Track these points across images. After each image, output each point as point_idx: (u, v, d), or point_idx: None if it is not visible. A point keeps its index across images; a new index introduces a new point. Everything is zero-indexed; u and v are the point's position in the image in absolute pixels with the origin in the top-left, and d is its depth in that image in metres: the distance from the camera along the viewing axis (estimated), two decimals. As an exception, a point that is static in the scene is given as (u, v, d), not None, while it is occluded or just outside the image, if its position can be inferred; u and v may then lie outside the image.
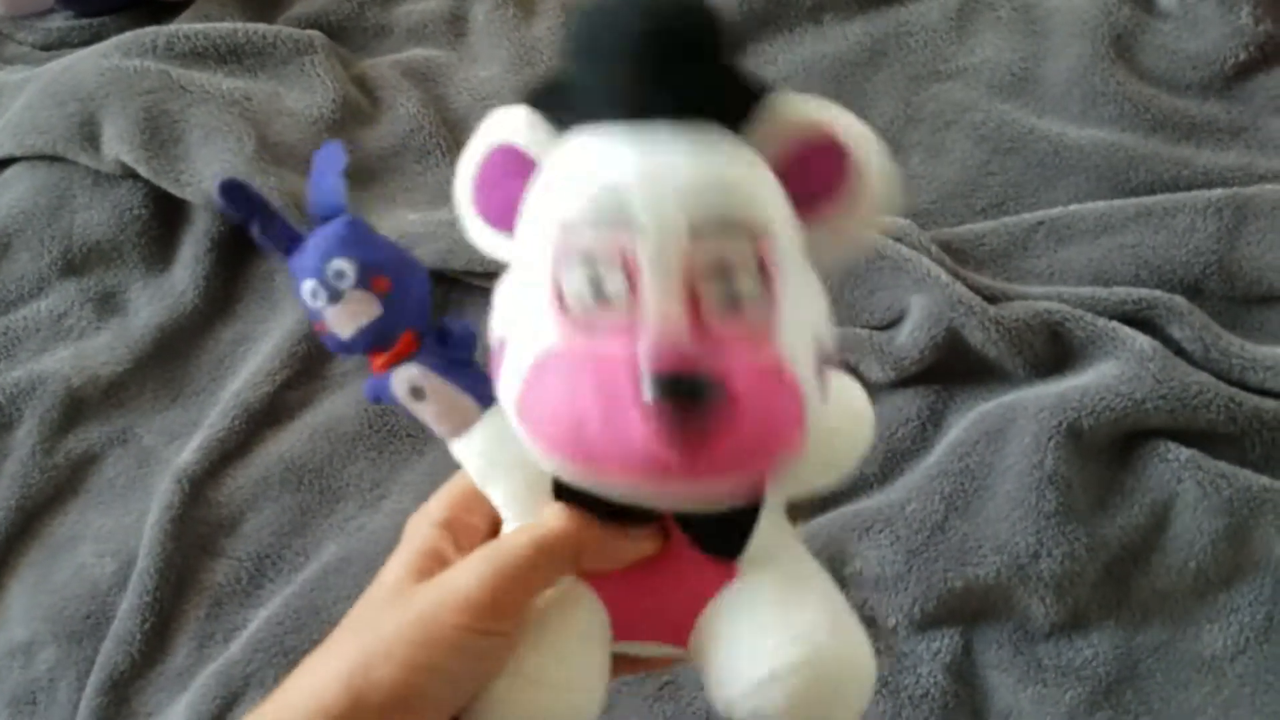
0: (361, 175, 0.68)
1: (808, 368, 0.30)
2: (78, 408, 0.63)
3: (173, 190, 0.66)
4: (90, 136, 0.68)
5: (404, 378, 0.34)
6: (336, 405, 0.62)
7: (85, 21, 0.81)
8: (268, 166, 0.64)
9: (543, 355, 0.30)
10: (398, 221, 0.65)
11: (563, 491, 0.33)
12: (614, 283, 0.30)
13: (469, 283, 0.64)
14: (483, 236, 0.35)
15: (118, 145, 0.66)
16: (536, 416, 0.30)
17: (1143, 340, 0.55)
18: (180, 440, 0.62)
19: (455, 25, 0.77)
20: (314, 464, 0.60)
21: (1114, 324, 0.56)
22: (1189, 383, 0.53)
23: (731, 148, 0.31)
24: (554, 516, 0.34)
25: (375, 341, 0.34)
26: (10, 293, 0.67)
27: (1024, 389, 0.56)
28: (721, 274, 0.29)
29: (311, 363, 0.63)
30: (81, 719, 0.53)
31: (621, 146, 0.30)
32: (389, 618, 0.32)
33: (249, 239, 0.64)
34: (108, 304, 0.67)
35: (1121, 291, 0.58)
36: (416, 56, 0.74)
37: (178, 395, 0.64)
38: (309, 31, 0.72)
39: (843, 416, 0.36)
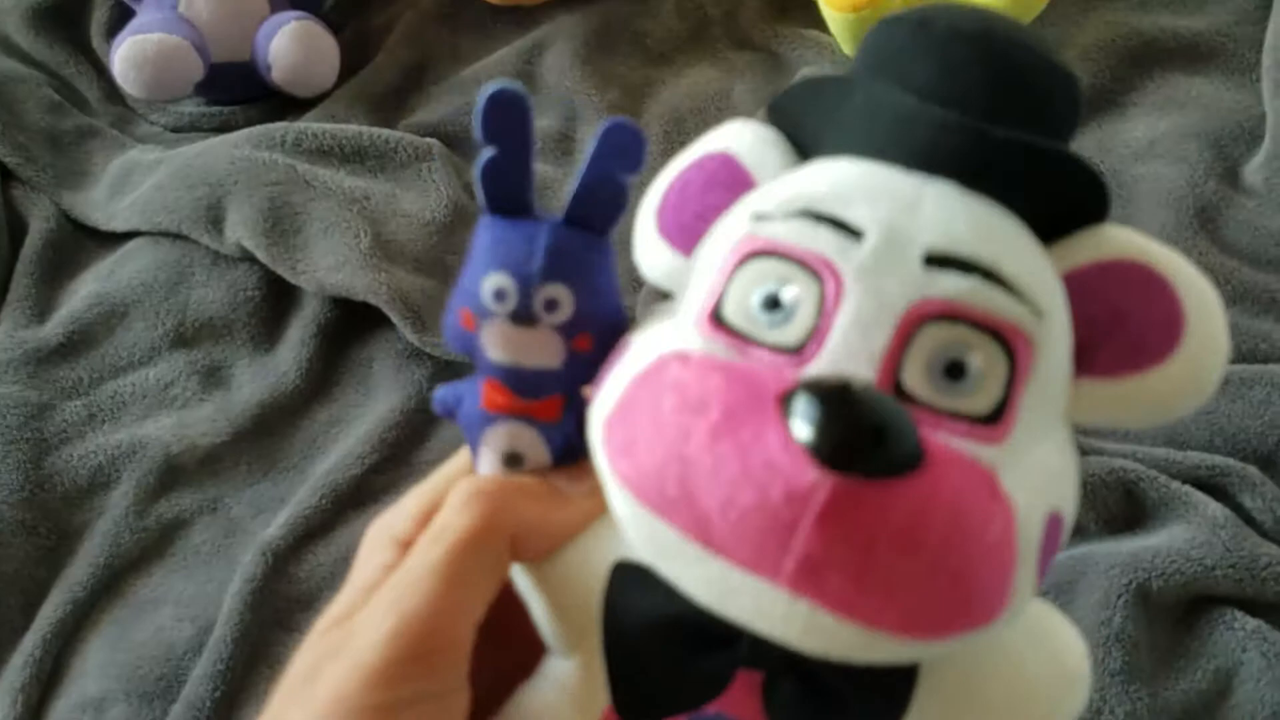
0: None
1: (1031, 531, 0.21)
2: (174, 474, 0.65)
3: (287, 276, 0.69)
4: (215, 220, 0.72)
5: (513, 437, 0.26)
6: (419, 494, 0.64)
7: (216, 109, 0.86)
8: (380, 262, 0.68)
9: (658, 361, 0.22)
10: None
11: (615, 613, 0.25)
12: (796, 291, 0.21)
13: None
14: (655, 261, 0.27)
15: (241, 230, 0.70)
16: (626, 439, 0.21)
17: (1215, 507, 0.55)
18: (267, 514, 0.64)
19: (563, 144, 0.81)
20: (392, 550, 0.61)
21: (1187, 488, 0.57)
22: (1259, 554, 0.53)
23: (1020, 229, 0.23)
24: (459, 503, 0.25)
25: (522, 387, 0.26)
26: (122, 359, 0.70)
27: (1095, 543, 0.57)
28: (949, 339, 0.21)
29: (400, 449, 0.65)
30: (145, 780, 0.54)
31: (875, 170, 0.23)
32: (295, 713, 0.24)
33: (352, 326, 0.69)
34: (213, 377, 0.70)
35: (1195, 456, 0.58)
36: (525, 170, 0.78)
37: (269, 470, 0.66)
38: (428, 139, 0.76)
39: (1047, 666, 0.25)
